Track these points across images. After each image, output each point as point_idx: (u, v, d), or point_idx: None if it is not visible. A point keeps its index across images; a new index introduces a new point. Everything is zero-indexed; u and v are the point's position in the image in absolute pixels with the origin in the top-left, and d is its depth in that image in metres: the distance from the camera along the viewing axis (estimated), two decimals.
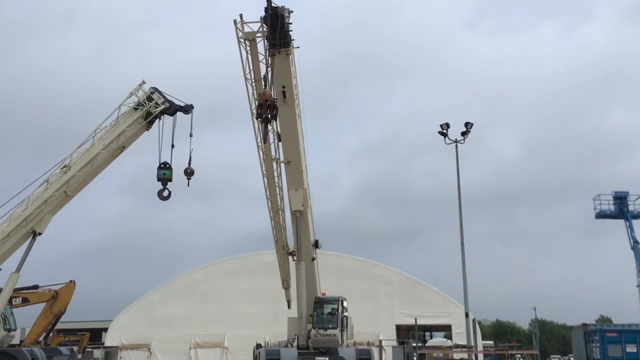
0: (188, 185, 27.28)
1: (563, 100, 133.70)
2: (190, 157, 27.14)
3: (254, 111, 16.23)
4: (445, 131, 36.22)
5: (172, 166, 27.12)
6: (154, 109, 26.96)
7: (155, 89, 27.43)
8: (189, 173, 27.01)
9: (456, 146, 36.08)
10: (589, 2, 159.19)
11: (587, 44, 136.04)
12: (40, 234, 26.98)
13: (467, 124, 36.05)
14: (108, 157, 27.11)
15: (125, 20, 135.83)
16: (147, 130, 27.43)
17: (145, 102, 26.98)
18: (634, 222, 40.73)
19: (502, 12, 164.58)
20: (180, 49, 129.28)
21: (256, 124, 22.68)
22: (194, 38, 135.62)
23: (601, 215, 41.95)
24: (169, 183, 27.07)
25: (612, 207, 41.54)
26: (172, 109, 27.29)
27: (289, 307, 32.82)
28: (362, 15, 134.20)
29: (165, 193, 27.15)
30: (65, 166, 26.58)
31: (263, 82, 17.77)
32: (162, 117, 27.30)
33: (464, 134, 36.15)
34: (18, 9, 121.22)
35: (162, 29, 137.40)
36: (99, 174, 27.72)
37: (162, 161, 27.05)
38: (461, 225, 35.45)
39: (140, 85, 27.39)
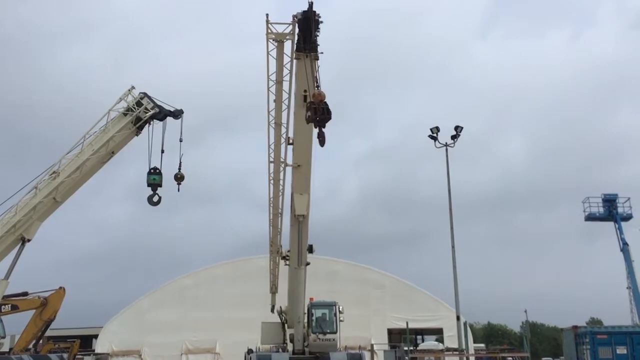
0: (178, 190, 27.40)
1: (570, 106, 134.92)
2: (181, 162, 27.26)
3: (309, 113, 15.54)
4: (435, 135, 36.27)
5: (162, 171, 27.21)
6: (144, 114, 26.90)
7: (145, 94, 27.36)
8: (179, 178, 27.14)
9: (446, 150, 36.16)
10: (595, 8, 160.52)
11: (593, 50, 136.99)
12: (29, 240, 26.84)
13: (457, 128, 36.12)
14: (97, 163, 27.01)
15: (139, 30, 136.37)
16: (137, 135, 27.38)
17: (134, 108, 26.91)
18: (623, 224, 41.00)
19: (511, 19, 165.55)
20: (193, 59, 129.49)
21: (271, 126, 22.57)
22: (207, 48, 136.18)
23: (590, 217, 42.21)
24: (158, 188, 27.17)
25: (601, 210, 41.80)
26: (161, 114, 27.27)
27: (272, 311, 32.91)
28: (372, 22, 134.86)
29: (155, 198, 27.22)
30: (54, 172, 26.44)
31: (314, 84, 17.42)
32: (151, 123, 27.26)
33: (454, 137, 36.23)
34: (35, 16, 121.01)
35: (175, 40, 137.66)
36: (88, 179, 27.63)
37: (152, 166, 27.12)
38: (452, 228, 35.57)
39: (129, 90, 27.31)
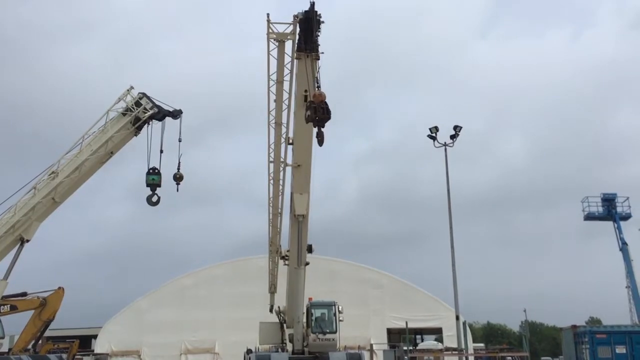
0: (177, 190, 27.39)
1: (570, 106, 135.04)
2: (180, 162, 27.26)
3: (309, 112, 15.54)
4: (434, 135, 36.25)
5: (161, 171, 27.21)
6: (142, 114, 26.88)
7: (144, 94, 27.35)
8: (178, 178, 27.12)
9: (445, 149, 36.16)
10: (595, 8, 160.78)
11: (593, 50, 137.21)
12: (28, 240, 26.81)
13: (455, 127, 36.10)
14: (96, 163, 27.00)
15: (139, 30, 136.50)
16: (136, 135, 27.39)
17: (133, 108, 26.90)
18: (622, 223, 41.01)
19: (511, 19, 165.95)
20: (193, 59, 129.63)
21: (271, 126, 22.58)
22: (207, 48, 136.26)
23: (589, 217, 42.19)
24: (157, 188, 27.19)
25: (600, 209, 41.79)
26: (160, 114, 27.27)
27: (270, 311, 32.92)
28: (373, 22, 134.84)
29: (154, 198, 27.23)
30: (53, 172, 26.42)
31: (315, 84, 17.34)
32: (150, 123, 27.25)
33: (453, 137, 36.21)
34: (35, 16, 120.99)
35: (175, 40, 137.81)
36: (87, 180, 27.62)
37: (151, 166, 27.11)
38: (451, 228, 35.56)
39: (128, 90, 27.31)
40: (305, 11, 17.74)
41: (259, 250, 38.49)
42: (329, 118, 15.35)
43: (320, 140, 15.83)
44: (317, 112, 15.18)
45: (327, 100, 15.46)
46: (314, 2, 17.42)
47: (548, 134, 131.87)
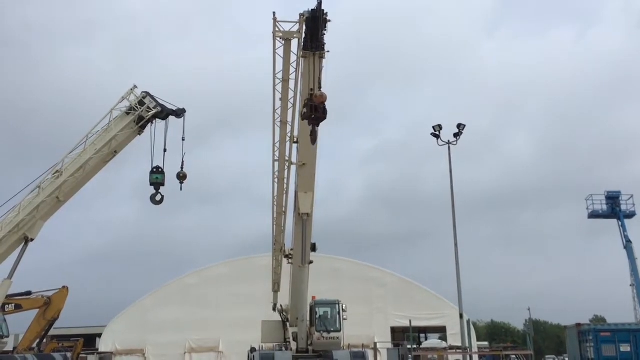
0: (181, 189, 27.38)
1: (576, 104, 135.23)
2: (183, 161, 27.26)
3: (305, 110, 15.59)
4: (437, 133, 36.21)
5: (165, 170, 27.22)
6: (146, 113, 26.89)
7: (147, 93, 27.35)
8: (181, 177, 27.12)
9: (449, 148, 36.16)
10: (602, 7, 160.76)
11: (600, 48, 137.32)
12: (32, 240, 26.85)
13: (459, 126, 36.06)
14: (100, 162, 27.02)
15: (145, 30, 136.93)
16: (140, 134, 27.39)
17: (137, 107, 26.90)
18: (627, 221, 40.90)
19: (517, 18, 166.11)
20: (198, 58, 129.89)
21: (277, 124, 22.60)
22: (212, 48, 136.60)
23: (594, 215, 42.09)
24: (161, 187, 27.21)
25: (604, 207, 41.69)
26: (164, 113, 27.27)
27: (274, 309, 32.96)
28: (378, 21, 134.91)
29: (158, 197, 27.26)
30: (57, 171, 26.45)
31: (318, 83, 17.29)
32: (154, 122, 27.27)
33: (456, 135, 36.16)
34: (41, 16, 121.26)
35: (181, 39, 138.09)
36: (91, 179, 27.67)
37: (155, 165, 27.14)
38: (454, 226, 35.60)
39: (132, 89, 27.30)
40: (312, 9, 17.73)
41: (262, 249, 38.62)
42: (324, 118, 15.43)
43: (314, 138, 15.94)
44: (314, 111, 15.24)
45: (329, 100, 15.50)
46: (321, 1, 17.40)
47: (553, 132, 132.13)
